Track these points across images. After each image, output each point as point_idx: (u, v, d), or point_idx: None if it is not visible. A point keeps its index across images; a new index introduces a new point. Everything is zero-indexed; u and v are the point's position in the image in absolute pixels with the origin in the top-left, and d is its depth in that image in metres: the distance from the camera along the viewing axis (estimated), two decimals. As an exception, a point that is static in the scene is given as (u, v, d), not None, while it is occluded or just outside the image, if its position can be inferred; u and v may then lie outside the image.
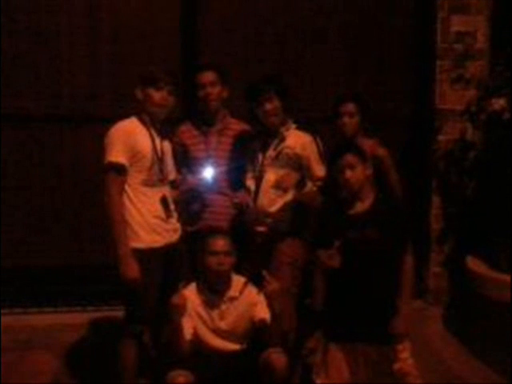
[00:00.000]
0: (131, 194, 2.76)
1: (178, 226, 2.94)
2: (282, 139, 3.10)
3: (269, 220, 3.10)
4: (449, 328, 3.81)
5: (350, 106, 3.12)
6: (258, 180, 3.11)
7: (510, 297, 3.26)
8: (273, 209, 3.09)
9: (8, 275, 3.72)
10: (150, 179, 2.79)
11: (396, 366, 2.67)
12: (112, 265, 2.72)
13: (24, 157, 3.76)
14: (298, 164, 3.10)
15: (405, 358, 2.69)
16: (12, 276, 3.74)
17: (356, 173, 2.69)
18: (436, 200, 3.94)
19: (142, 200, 2.77)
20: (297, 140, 3.10)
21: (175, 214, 2.92)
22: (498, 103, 3.46)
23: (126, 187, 2.75)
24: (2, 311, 3.64)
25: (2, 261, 3.71)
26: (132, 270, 2.68)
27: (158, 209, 2.80)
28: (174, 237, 2.90)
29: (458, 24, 3.82)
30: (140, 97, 2.83)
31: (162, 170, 2.84)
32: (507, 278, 3.36)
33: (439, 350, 3.61)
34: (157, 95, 2.79)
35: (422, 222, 3.99)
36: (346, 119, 3.12)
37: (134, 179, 2.76)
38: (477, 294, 3.55)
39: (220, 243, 2.79)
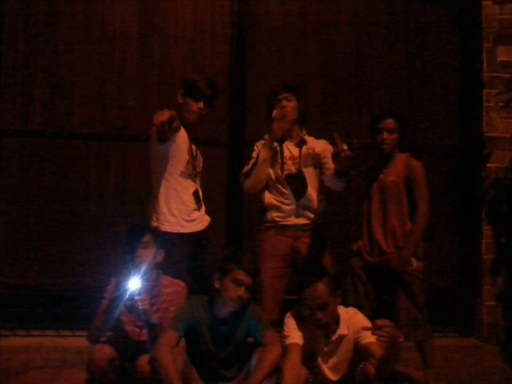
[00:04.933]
0: (170, 183, 2.93)
1: (206, 217, 3.09)
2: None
3: None
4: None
5: (390, 122, 3.14)
6: None
7: None
8: None
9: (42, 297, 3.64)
10: (186, 172, 2.97)
11: None
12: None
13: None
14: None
15: None
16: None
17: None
18: (487, 229, 3.82)
19: (177, 189, 2.95)
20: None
21: (203, 207, 3.08)
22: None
23: (167, 175, 2.93)
24: (33, 333, 3.56)
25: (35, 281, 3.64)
26: None
27: (191, 199, 2.98)
28: (201, 225, 3.03)
29: (503, 54, 3.89)
30: (179, 100, 3.01)
31: (194, 168, 3.02)
32: None
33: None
34: (194, 105, 2.98)
35: (474, 252, 3.85)
36: (386, 135, 3.12)
37: (174, 169, 2.94)
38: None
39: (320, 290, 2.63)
